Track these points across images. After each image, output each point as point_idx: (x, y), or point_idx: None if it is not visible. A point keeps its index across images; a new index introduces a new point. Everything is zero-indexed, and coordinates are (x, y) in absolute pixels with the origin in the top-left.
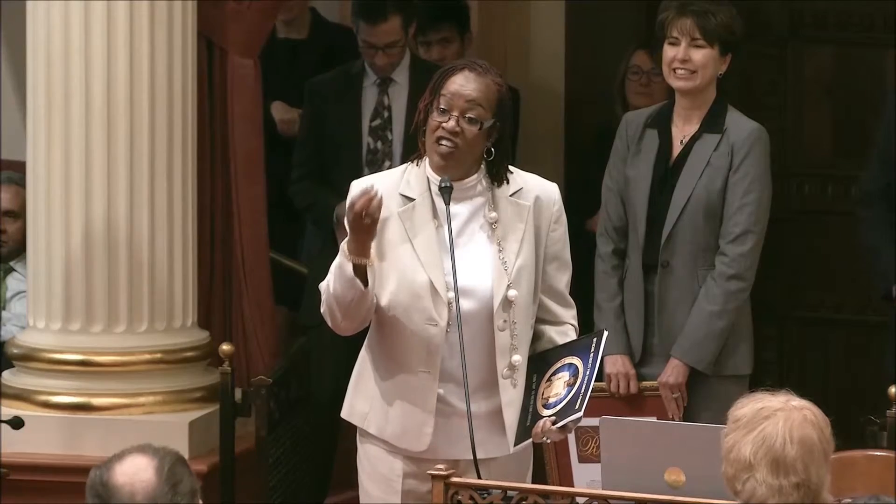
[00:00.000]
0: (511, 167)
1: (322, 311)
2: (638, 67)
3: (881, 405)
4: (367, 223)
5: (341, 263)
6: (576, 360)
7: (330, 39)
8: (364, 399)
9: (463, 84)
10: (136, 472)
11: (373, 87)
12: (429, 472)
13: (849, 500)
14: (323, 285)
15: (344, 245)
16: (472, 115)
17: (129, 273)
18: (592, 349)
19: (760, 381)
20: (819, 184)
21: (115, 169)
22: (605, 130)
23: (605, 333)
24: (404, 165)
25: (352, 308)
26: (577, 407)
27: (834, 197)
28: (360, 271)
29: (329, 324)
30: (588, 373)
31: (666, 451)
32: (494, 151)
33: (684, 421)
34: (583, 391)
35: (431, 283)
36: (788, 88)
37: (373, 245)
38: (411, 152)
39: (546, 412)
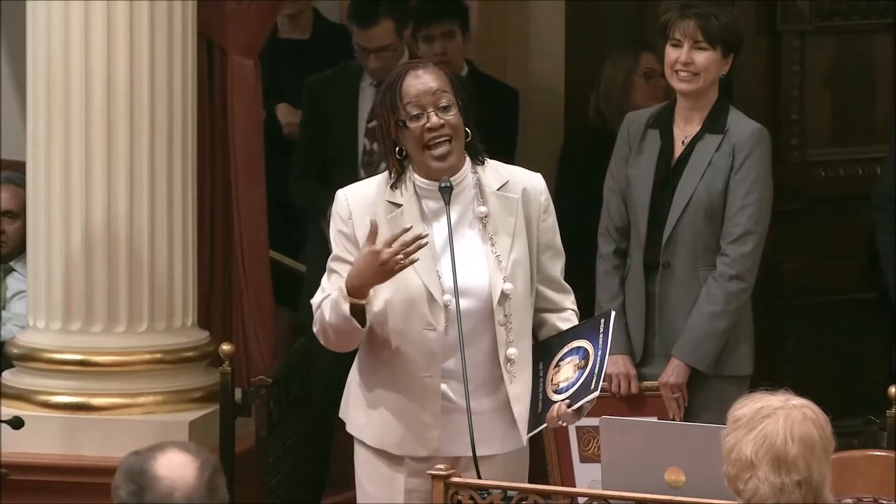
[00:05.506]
0: (494, 160)
1: (315, 330)
2: (651, 70)
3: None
4: (393, 268)
5: (339, 301)
6: (584, 343)
7: (332, 40)
8: (360, 410)
9: (418, 82)
10: (177, 468)
11: (370, 87)
12: (429, 472)
13: (850, 500)
14: (315, 302)
15: (343, 283)
16: (444, 104)
17: (129, 273)
18: (602, 329)
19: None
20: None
21: (115, 169)
22: (605, 130)
23: (613, 313)
24: (385, 173)
25: (344, 338)
26: (591, 388)
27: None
28: (358, 310)
29: (321, 342)
30: (600, 354)
31: (666, 451)
32: (469, 131)
33: (685, 421)
34: (596, 372)
35: (426, 287)
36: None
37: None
38: None
39: (558, 397)
